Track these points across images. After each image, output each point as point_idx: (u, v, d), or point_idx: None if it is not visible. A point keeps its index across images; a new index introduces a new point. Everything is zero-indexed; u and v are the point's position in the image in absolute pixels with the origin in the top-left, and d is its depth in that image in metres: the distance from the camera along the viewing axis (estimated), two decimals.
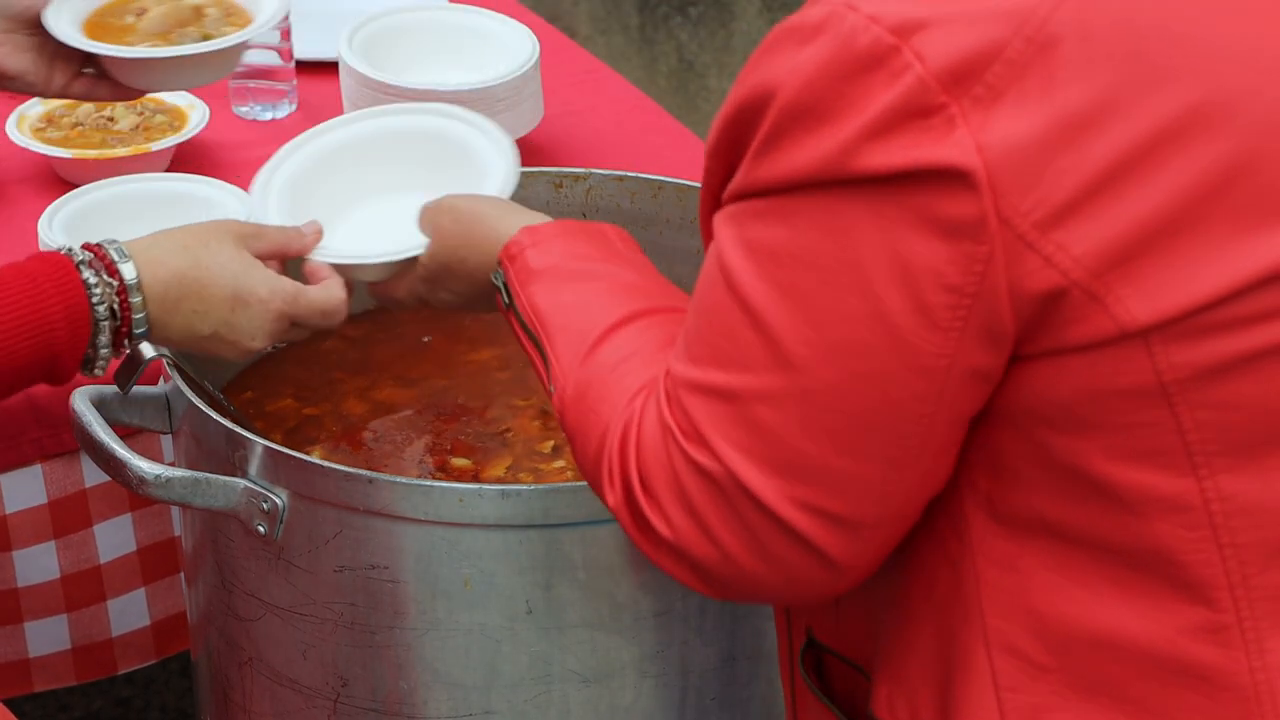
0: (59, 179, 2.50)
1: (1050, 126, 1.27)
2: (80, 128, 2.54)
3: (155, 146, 2.49)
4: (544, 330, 1.60)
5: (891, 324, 1.30)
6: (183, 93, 2.62)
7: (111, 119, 2.56)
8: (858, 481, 1.34)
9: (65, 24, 2.03)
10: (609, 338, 1.53)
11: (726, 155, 1.38)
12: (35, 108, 2.57)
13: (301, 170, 1.99)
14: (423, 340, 2.19)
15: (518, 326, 1.65)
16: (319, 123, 2.66)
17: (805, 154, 1.30)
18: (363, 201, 1.97)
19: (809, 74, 1.30)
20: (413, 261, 1.83)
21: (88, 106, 2.57)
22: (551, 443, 2.06)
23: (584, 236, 1.68)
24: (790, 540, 1.36)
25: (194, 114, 2.57)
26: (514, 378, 2.09)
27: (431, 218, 1.82)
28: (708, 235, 1.44)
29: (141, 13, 2.13)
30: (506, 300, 1.67)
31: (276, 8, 2.18)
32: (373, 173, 1.99)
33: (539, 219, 1.72)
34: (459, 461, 2.05)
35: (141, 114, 2.57)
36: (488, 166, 1.93)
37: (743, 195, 1.35)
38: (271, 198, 1.96)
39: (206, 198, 2.36)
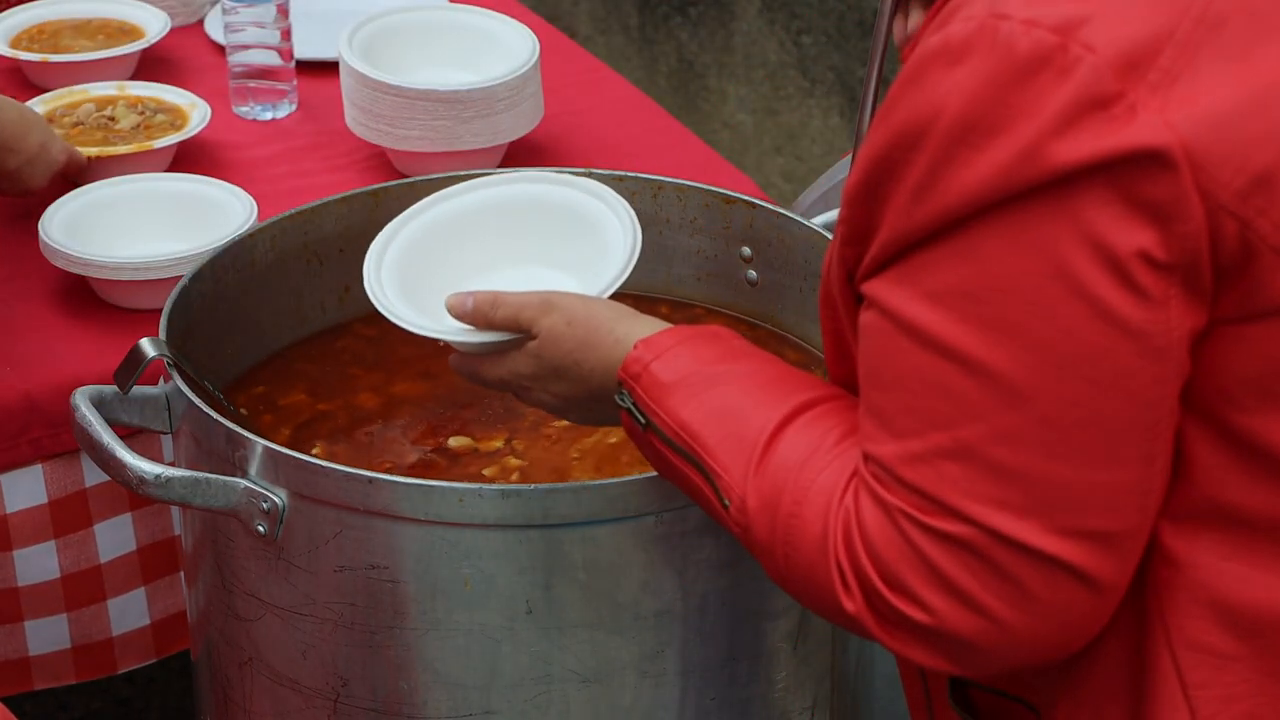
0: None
1: (1237, 98, 1.26)
2: (81, 126, 2.55)
3: (157, 144, 2.50)
4: (699, 444, 1.52)
5: (1115, 317, 1.28)
6: (184, 91, 2.62)
7: (112, 118, 2.56)
8: (1117, 490, 1.32)
9: None
10: (780, 437, 1.47)
11: (872, 200, 1.34)
12: (35, 108, 2.57)
13: (417, 239, 1.94)
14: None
15: (661, 445, 1.56)
16: (318, 123, 2.67)
17: (980, 171, 1.28)
18: (483, 273, 1.89)
19: (971, 90, 1.28)
20: (508, 345, 1.74)
21: (88, 105, 2.58)
22: None
23: (701, 340, 1.59)
24: (1058, 577, 1.33)
25: (195, 113, 2.57)
26: None
27: (537, 316, 1.70)
28: (840, 287, 1.41)
29: None
30: (643, 421, 1.57)
31: None
32: (493, 243, 1.93)
33: (649, 325, 1.63)
34: (456, 441, 2.06)
35: (143, 113, 2.57)
36: (610, 242, 1.88)
37: (907, 247, 1.32)
38: (385, 267, 1.90)
39: (207, 197, 2.36)
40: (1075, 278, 1.28)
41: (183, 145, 2.53)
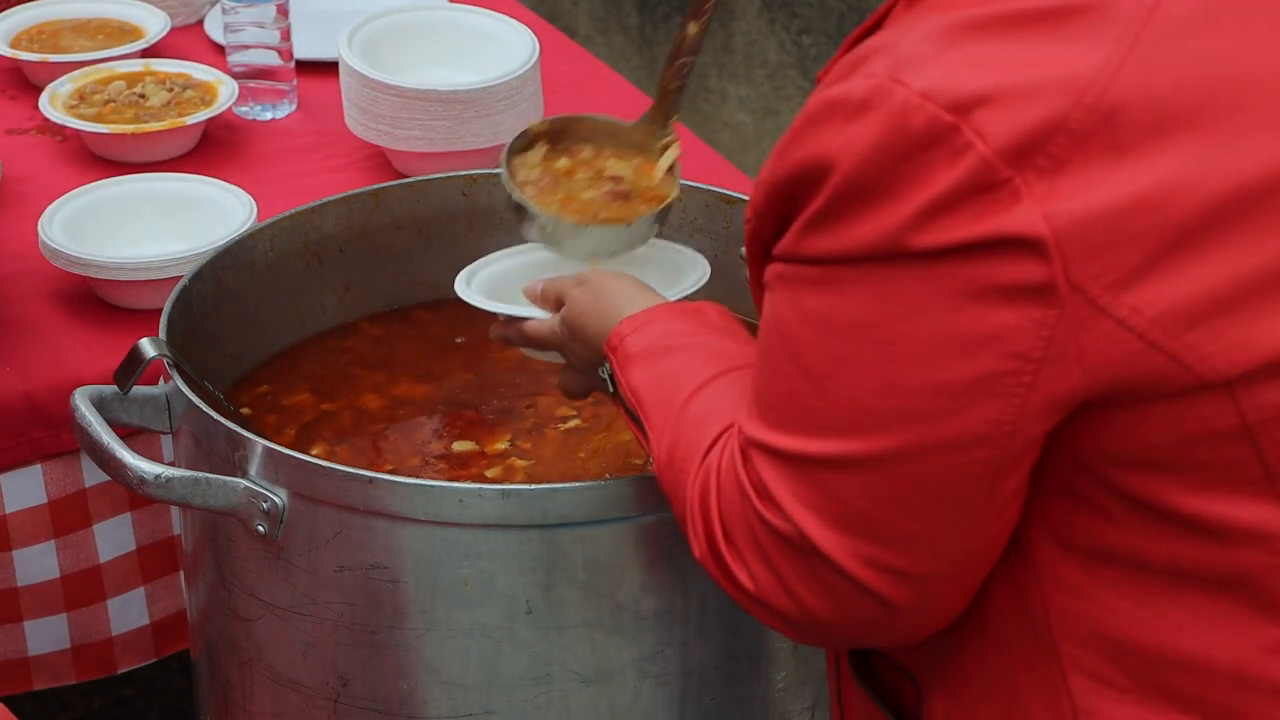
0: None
1: (1119, 192, 1.26)
2: (112, 104, 2.57)
3: (190, 121, 2.52)
4: (641, 406, 1.61)
5: (953, 394, 1.30)
6: (208, 67, 2.65)
7: (143, 96, 2.59)
8: (924, 541, 1.35)
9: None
10: (695, 398, 1.54)
11: (776, 218, 1.37)
12: (65, 85, 2.60)
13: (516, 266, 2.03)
14: (455, 341, 2.20)
15: (623, 412, 1.67)
16: (318, 123, 2.68)
17: (862, 230, 1.29)
18: None
19: (862, 151, 1.28)
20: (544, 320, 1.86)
21: (119, 83, 2.60)
22: (569, 409, 2.09)
23: (679, 315, 1.68)
24: (862, 595, 1.37)
25: (223, 89, 2.59)
26: (549, 367, 2.08)
27: (570, 288, 1.81)
28: (756, 280, 1.44)
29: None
30: (612, 389, 1.69)
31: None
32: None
33: (646, 302, 1.72)
34: (460, 446, 2.06)
35: (171, 90, 2.59)
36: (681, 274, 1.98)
37: (794, 259, 1.35)
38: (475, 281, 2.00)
39: (207, 197, 2.36)
40: (925, 345, 1.29)
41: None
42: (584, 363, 1.79)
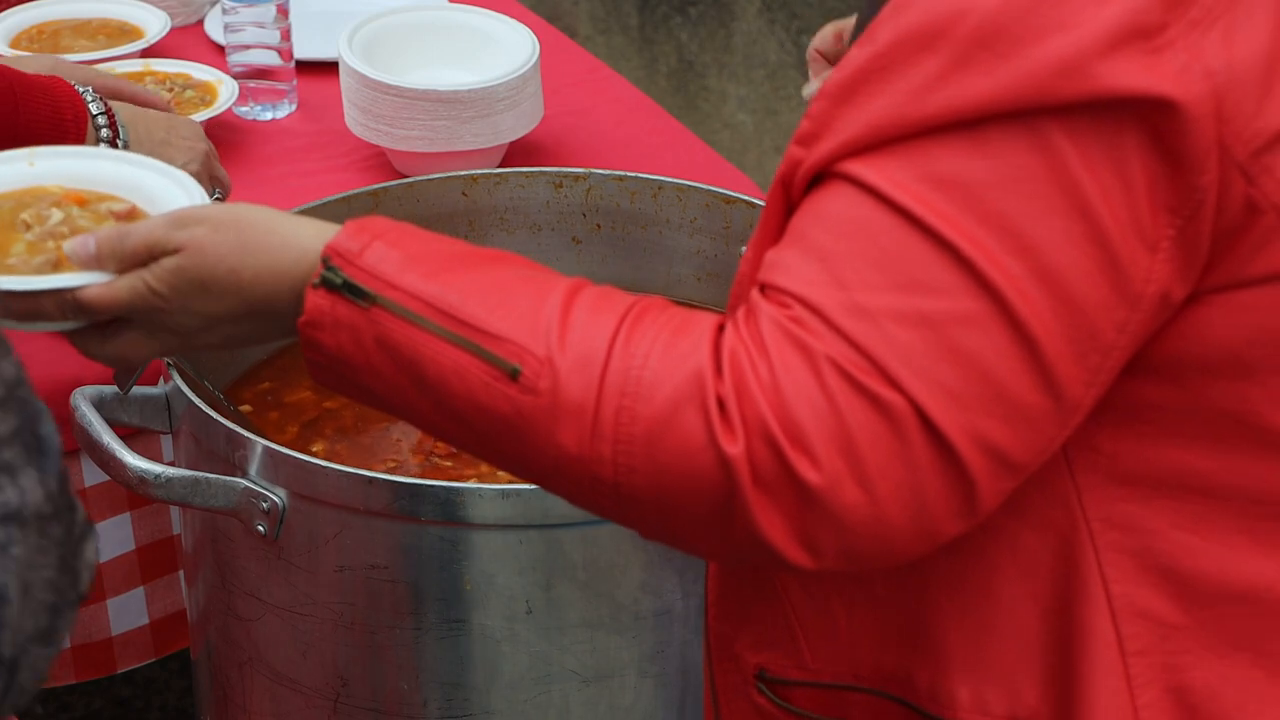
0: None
1: (1273, 48, 1.23)
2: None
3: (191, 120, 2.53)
4: (463, 314, 1.35)
5: (1108, 246, 1.25)
6: (208, 68, 2.64)
7: None
8: (1039, 418, 1.28)
9: None
10: (577, 301, 1.35)
11: (861, 96, 1.28)
12: None
13: None
14: None
15: (396, 320, 1.37)
16: (319, 123, 2.67)
17: (1002, 79, 1.24)
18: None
19: None
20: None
21: None
22: None
23: (410, 226, 1.43)
24: (955, 482, 1.27)
25: (223, 89, 2.59)
26: None
27: (171, 232, 1.47)
28: (799, 169, 1.33)
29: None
30: (365, 300, 1.38)
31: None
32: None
33: (324, 224, 1.45)
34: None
35: (171, 90, 2.59)
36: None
37: (909, 134, 1.27)
38: None
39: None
40: (1083, 197, 1.25)
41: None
42: (202, 318, 1.47)
